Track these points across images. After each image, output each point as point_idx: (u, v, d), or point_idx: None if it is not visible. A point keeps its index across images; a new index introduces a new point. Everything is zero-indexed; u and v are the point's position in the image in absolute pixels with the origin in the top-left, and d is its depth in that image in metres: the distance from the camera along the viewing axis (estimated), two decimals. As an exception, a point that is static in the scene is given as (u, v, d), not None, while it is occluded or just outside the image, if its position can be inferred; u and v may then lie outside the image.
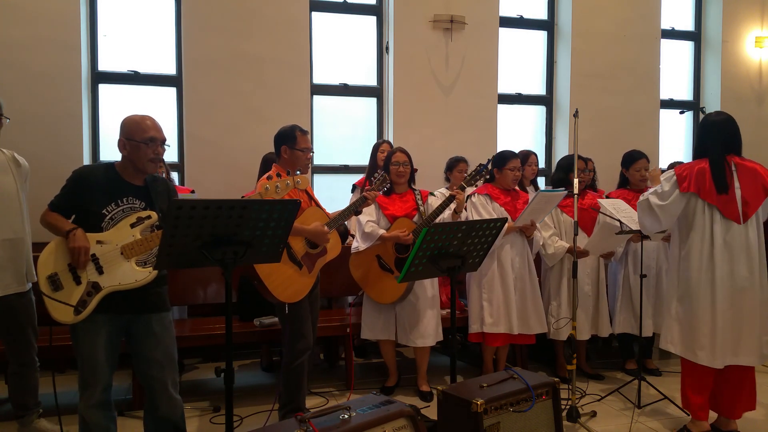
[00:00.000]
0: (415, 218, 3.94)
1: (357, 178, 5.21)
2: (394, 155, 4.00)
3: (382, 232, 3.86)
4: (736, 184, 3.19)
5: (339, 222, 3.44)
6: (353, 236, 4.83)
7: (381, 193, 3.89)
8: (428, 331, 3.96)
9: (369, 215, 3.94)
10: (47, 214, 2.61)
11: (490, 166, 4.01)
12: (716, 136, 3.24)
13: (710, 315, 3.17)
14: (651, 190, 3.33)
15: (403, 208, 3.98)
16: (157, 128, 2.65)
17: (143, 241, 2.54)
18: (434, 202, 4.00)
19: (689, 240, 3.24)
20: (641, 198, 3.36)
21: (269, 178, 3.10)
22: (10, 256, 3.11)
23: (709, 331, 3.16)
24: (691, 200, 3.23)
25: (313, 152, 3.45)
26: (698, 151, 3.31)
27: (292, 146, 3.33)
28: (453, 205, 3.83)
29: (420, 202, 4.00)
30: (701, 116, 3.44)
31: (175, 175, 4.86)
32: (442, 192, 4.50)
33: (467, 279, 4.29)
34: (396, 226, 3.89)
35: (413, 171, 4.06)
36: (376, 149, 4.86)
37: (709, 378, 3.24)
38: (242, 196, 3.68)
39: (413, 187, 4.10)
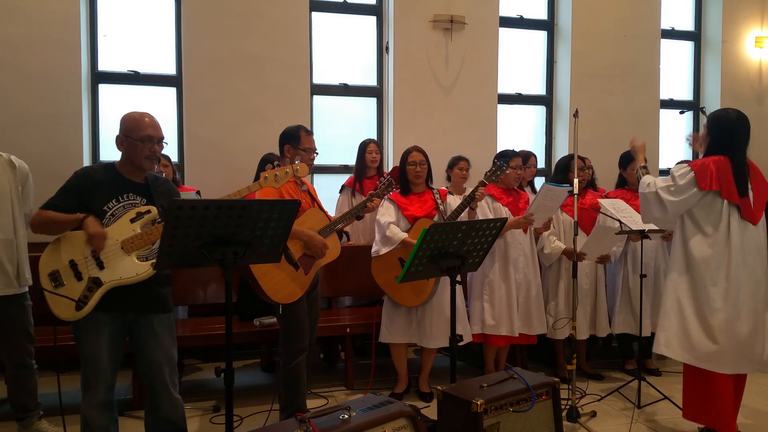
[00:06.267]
0: (436, 218, 3.86)
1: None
2: (410, 155, 3.92)
3: (403, 236, 3.76)
4: (749, 185, 3.13)
5: (338, 225, 3.42)
6: (347, 233, 4.83)
7: (385, 198, 3.84)
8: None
9: (389, 217, 3.85)
10: (42, 213, 2.55)
11: (507, 165, 3.93)
12: (739, 135, 3.12)
13: (728, 321, 3.02)
14: (662, 184, 3.15)
15: (422, 208, 3.90)
16: (154, 126, 2.64)
17: (143, 235, 2.54)
18: (453, 201, 3.95)
19: (706, 240, 3.09)
20: (648, 189, 3.19)
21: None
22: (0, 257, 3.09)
23: (726, 336, 3.01)
24: (708, 198, 3.09)
25: (317, 153, 3.41)
26: (717, 147, 3.14)
27: (295, 146, 3.31)
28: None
29: (439, 202, 3.92)
30: (701, 116, 3.39)
31: (176, 175, 4.85)
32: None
33: (469, 278, 4.27)
34: (417, 227, 3.80)
35: (430, 170, 3.98)
36: (363, 149, 4.84)
37: (729, 385, 3.07)
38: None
39: (431, 186, 4.03)
